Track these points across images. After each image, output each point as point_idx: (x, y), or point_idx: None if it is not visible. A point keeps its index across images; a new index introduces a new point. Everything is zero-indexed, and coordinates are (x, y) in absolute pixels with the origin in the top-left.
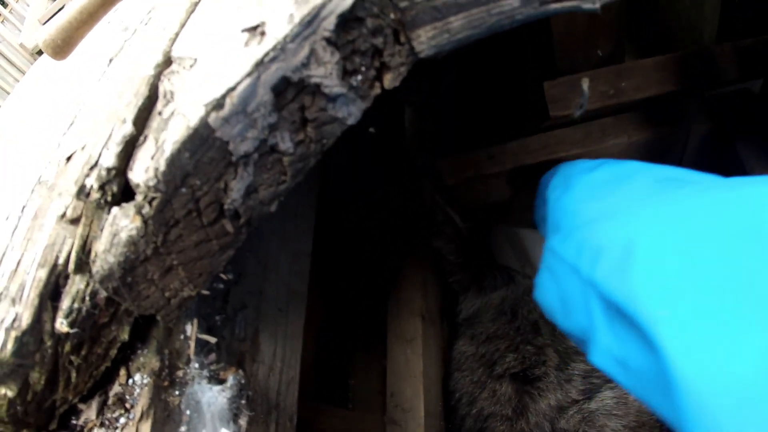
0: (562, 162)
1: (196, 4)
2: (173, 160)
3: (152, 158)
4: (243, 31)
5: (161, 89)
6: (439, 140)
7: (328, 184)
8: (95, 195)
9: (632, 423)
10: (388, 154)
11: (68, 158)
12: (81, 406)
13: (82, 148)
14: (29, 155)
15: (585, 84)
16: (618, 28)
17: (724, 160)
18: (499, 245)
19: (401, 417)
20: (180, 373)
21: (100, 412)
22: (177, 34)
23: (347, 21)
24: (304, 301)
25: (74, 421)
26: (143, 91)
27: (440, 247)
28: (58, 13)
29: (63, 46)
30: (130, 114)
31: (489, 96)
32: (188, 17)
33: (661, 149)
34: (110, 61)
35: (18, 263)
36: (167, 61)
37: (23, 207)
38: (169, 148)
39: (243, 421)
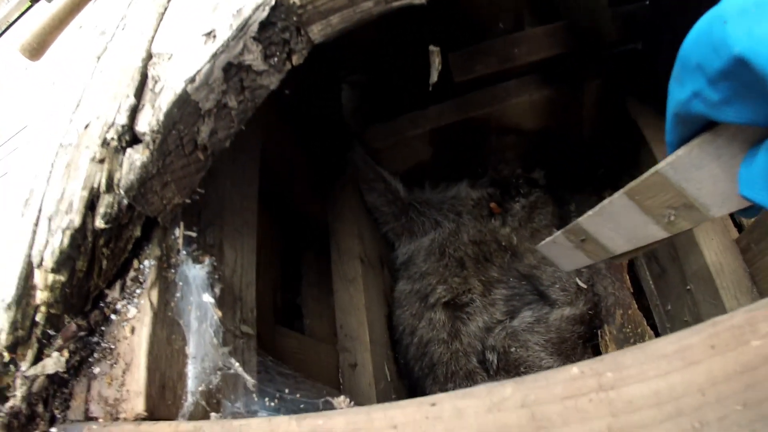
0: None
1: (163, 14)
2: (168, 114)
3: (153, 115)
4: (203, 35)
5: (149, 74)
6: (372, 112)
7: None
8: (114, 143)
9: (554, 338)
10: (329, 126)
11: (86, 126)
12: (107, 291)
13: (97, 118)
14: (38, 138)
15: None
16: (517, 4)
17: (617, 111)
18: None
19: (350, 344)
20: (173, 259)
21: (122, 290)
22: (153, 37)
23: (265, 25)
24: (254, 230)
25: (102, 303)
26: (136, 76)
27: (373, 201)
28: (32, 20)
29: (38, 48)
30: (131, 91)
31: (410, 70)
32: (159, 23)
33: (561, 105)
34: (98, 59)
35: (63, 192)
36: (149, 56)
37: (52, 163)
38: (164, 107)
39: (217, 290)
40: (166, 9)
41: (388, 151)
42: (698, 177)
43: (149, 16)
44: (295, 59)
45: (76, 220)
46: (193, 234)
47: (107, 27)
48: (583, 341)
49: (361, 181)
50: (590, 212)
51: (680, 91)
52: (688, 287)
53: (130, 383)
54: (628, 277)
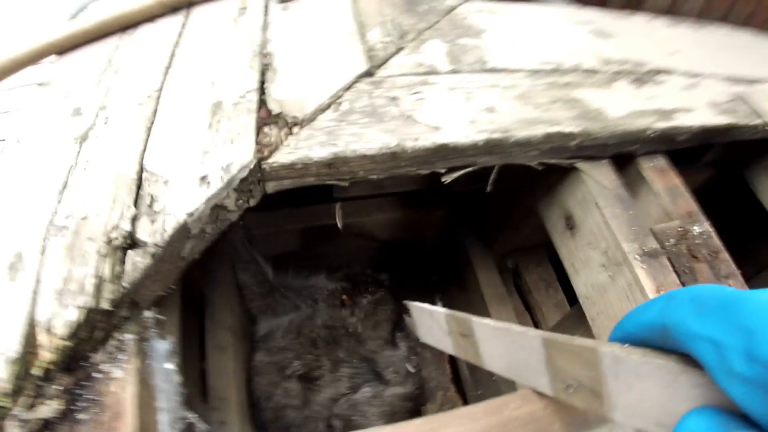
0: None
1: (150, 128)
2: (171, 236)
3: (155, 231)
4: (199, 178)
5: (145, 190)
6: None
7: None
8: (116, 243)
9: (387, 411)
10: None
11: (83, 218)
12: (90, 354)
13: (97, 215)
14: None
15: None
16: None
17: (453, 235)
18: None
19: (220, 404)
20: (146, 334)
21: (106, 355)
22: (144, 151)
23: (243, 180)
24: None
25: (85, 363)
26: (133, 188)
27: (245, 280)
28: None
29: None
30: (131, 202)
31: None
32: (148, 137)
33: (411, 224)
34: (79, 143)
35: (69, 272)
36: (142, 169)
37: (43, 239)
38: (168, 230)
39: (175, 361)
40: (153, 123)
41: (263, 237)
42: (631, 384)
43: (136, 125)
44: (252, 202)
45: (91, 302)
46: (162, 317)
47: (83, 108)
48: (411, 414)
49: (237, 260)
50: (492, 323)
51: (698, 324)
52: (494, 378)
53: (118, 428)
54: (448, 366)
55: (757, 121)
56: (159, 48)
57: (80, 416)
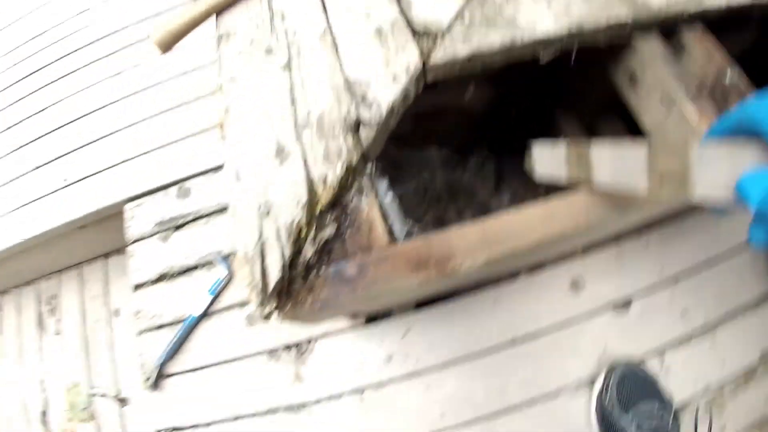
0: None
1: (337, 52)
2: (385, 115)
3: (372, 114)
4: (391, 78)
5: (355, 90)
6: None
7: None
8: (351, 123)
9: None
10: None
11: (320, 115)
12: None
13: (330, 111)
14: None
15: None
16: None
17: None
18: None
19: None
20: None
21: (353, 194)
22: (341, 66)
23: (417, 75)
24: None
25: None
26: (347, 91)
27: None
28: (167, 19)
29: (170, 44)
30: (349, 99)
31: None
32: (339, 57)
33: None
34: (288, 71)
35: (326, 148)
36: (346, 79)
37: (296, 134)
38: (383, 112)
39: (392, 192)
40: (337, 48)
41: None
42: (710, 163)
43: (325, 51)
44: (419, 88)
45: (347, 161)
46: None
47: (273, 48)
48: None
49: None
50: (608, 143)
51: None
52: None
53: (374, 234)
54: None
55: None
56: None
57: (346, 235)
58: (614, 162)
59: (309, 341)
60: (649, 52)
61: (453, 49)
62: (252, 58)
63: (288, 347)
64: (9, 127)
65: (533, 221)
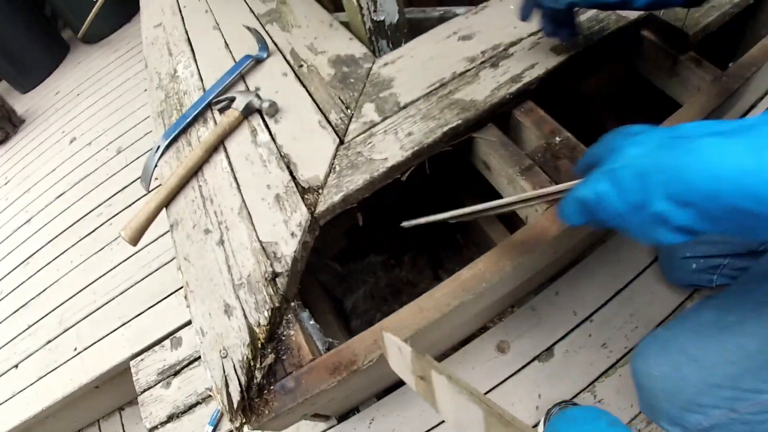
0: None
1: (252, 223)
2: (291, 264)
3: (283, 265)
4: (290, 234)
5: (268, 250)
6: None
7: None
8: (269, 278)
9: None
10: None
11: (248, 275)
12: (277, 329)
13: (254, 270)
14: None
15: None
16: None
17: None
18: None
19: None
20: (296, 311)
21: (283, 327)
22: (256, 233)
23: (309, 226)
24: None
25: (275, 335)
26: (263, 252)
27: (324, 279)
28: (132, 219)
29: (138, 238)
30: (264, 259)
31: None
32: (253, 224)
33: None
34: (220, 245)
35: (257, 301)
36: (261, 242)
37: (236, 292)
38: (289, 262)
39: (313, 320)
40: (251, 217)
41: (323, 247)
42: None
43: (244, 226)
44: (316, 233)
45: (270, 306)
46: (299, 302)
47: (208, 227)
48: None
49: (315, 269)
50: (446, 382)
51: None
52: None
53: (302, 353)
54: None
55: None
56: (225, 177)
57: (284, 357)
58: (456, 406)
59: None
60: (487, 142)
61: (330, 196)
62: (196, 239)
63: None
64: (16, 310)
65: (405, 319)
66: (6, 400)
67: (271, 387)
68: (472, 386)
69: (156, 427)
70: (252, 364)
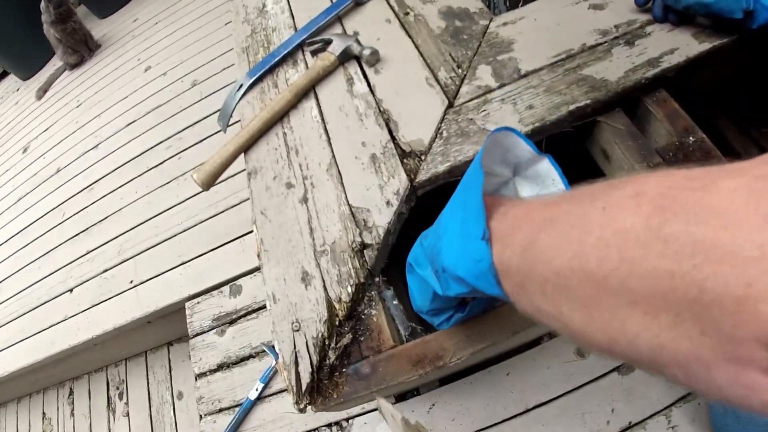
0: None
1: (342, 183)
2: (383, 236)
3: (373, 237)
4: (385, 203)
5: (357, 217)
6: None
7: None
8: (356, 248)
9: None
10: None
11: (333, 242)
12: (357, 307)
13: (339, 238)
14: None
15: None
16: None
17: None
18: None
19: None
20: (380, 289)
21: (364, 305)
22: (346, 196)
23: (406, 196)
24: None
25: (354, 313)
26: (351, 219)
27: None
28: (207, 162)
29: (211, 182)
30: (354, 226)
31: None
32: (343, 186)
33: None
34: (305, 204)
35: (340, 271)
36: (350, 207)
37: (317, 260)
38: (381, 234)
39: (397, 301)
40: (341, 176)
41: None
42: None
43: (331, 178)
44: (412, 204)
45: (356, 280)
46: (384, 278)
47: (291, 180)
48: None
49: None
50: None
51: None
52: None
53: (382, 337)
54: None
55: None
56: (314, 127)
57: (361, 338)
58: None
59: (348, 419)
60: (613, 129)
61: (435, 164)
62: (276, 192)
63: (329, 425)
64: (76, 234)
65: (507, 318)
66: (57, 323)
67: (344, 370)
68: None
69: (204, 374)
70: (327, 343)
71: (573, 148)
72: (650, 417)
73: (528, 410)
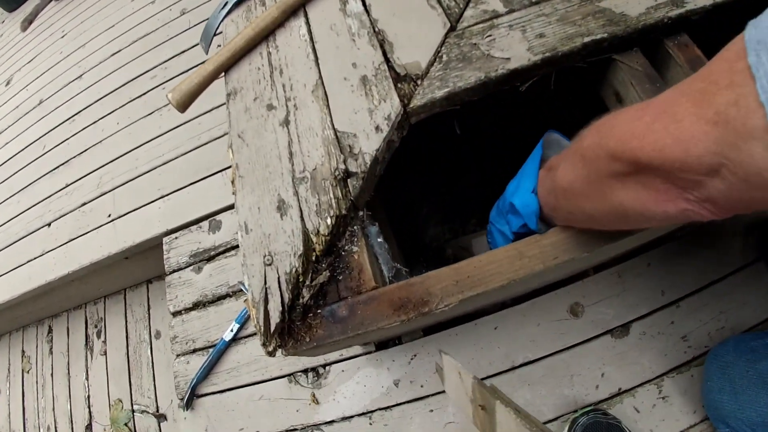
0: None
1: (328, 105)
2: (370, 165)
3: (359, 164)
4: (374, 128)
5: (343, 142)
6: None
7: None
8: (340, 177)
9: None
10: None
11: (314, 168)
12: (337, 242)
13: (321, 164)
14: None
15: None
16: None
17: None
18: None
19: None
20: (364, 224)
21: (346, 240)
22: (331, 119)
23: (398, 122)
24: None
25: (335, 248)
26: (336, 144)
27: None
28: (184, 81)
29: (187, 104)
30: (338, 152)
31: None
32: (329, 109)
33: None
34: (286, 126)
35: (319, 200)
36: (335, 131)
37: (295, 185)
38: (368, 161)
39: (381, 237)
40: (328, 100)
41: None
42: None
43: (317, 104)
44: (404, 132)
45: (336, 212)
46: (369, 213)
47: (273, 102)
48: None
49: None
50: (513, 415)
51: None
52: None
53: (363, 277)
54: None
55: None
56: (301, 47)
57: (340, 277)
58: None
59: (325, 366)
60: (630, 69)
61: (432, 90)
62: (256, 114)
63: (305, 371)
64: (56, 167)
65: (502, 264)
66: (35, 258)
67: (319, 311)
68: (544, 425)
69: (180, 312)
70: (301, 280)
71: (583, 89)
72: (641, 385)
73: (514, 368)
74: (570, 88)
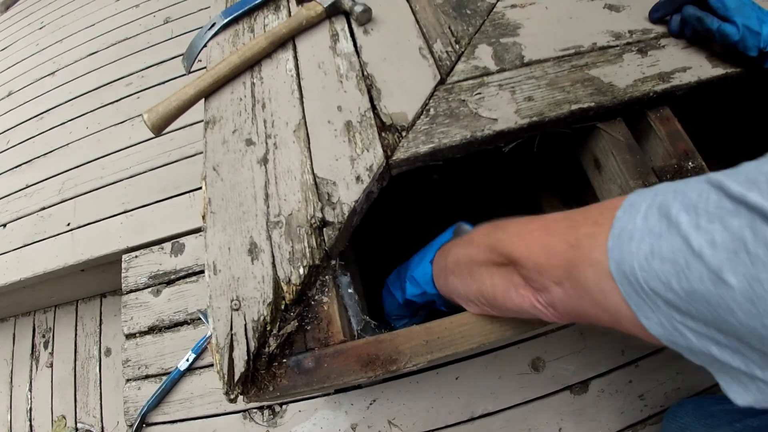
0: None
1: (309, 149)
2: (348, 215)
3: (336, 214)
4: (354, 178)
5: (321, 189)
6: None
7: None
8: (316, 226)
9: None
10: None
11: (290, 214)
12: (307, 291)
13: (298, 210)
14: (232, 200)
15: None
16: None
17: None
18: None
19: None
20: (335, 273)
21: (316, 290)
22: (311, 163)
23: (380, 174)
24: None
25: (304, 297)
26: (314, 190)
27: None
28: (162, 103)
29: (162, 127)
30: (317, 201)
31: None
32: (310, 152)
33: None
34: (264, 165)
35: (293, 248)
36: (315, 177)
37: (268, 231)
38: (346, 212)
39: (352, 288)
40: (309, 142)
41: None
42: None
43: (299, 145)
44: (384, 183)
45: (310, 262)
46: (342, 263)
47: (253, 138)
48: None
49: None
50: None
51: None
52: None
53: (331, 329)
54: None
55: None
56: (286, 81)
57: (308, 327)
58: None
59: (281, 404)
60: (612, 139)
61: (416, 144)
62: (233, 147)
63: (261, 408)
64: (18, 165)
65: (474, 327)
66: None
67: (284, 360)
68: None
69: (134, 335)
70: (268, 329)
71: (561, 152)
72: None
73: (473, 419)
74: (551, 151)
